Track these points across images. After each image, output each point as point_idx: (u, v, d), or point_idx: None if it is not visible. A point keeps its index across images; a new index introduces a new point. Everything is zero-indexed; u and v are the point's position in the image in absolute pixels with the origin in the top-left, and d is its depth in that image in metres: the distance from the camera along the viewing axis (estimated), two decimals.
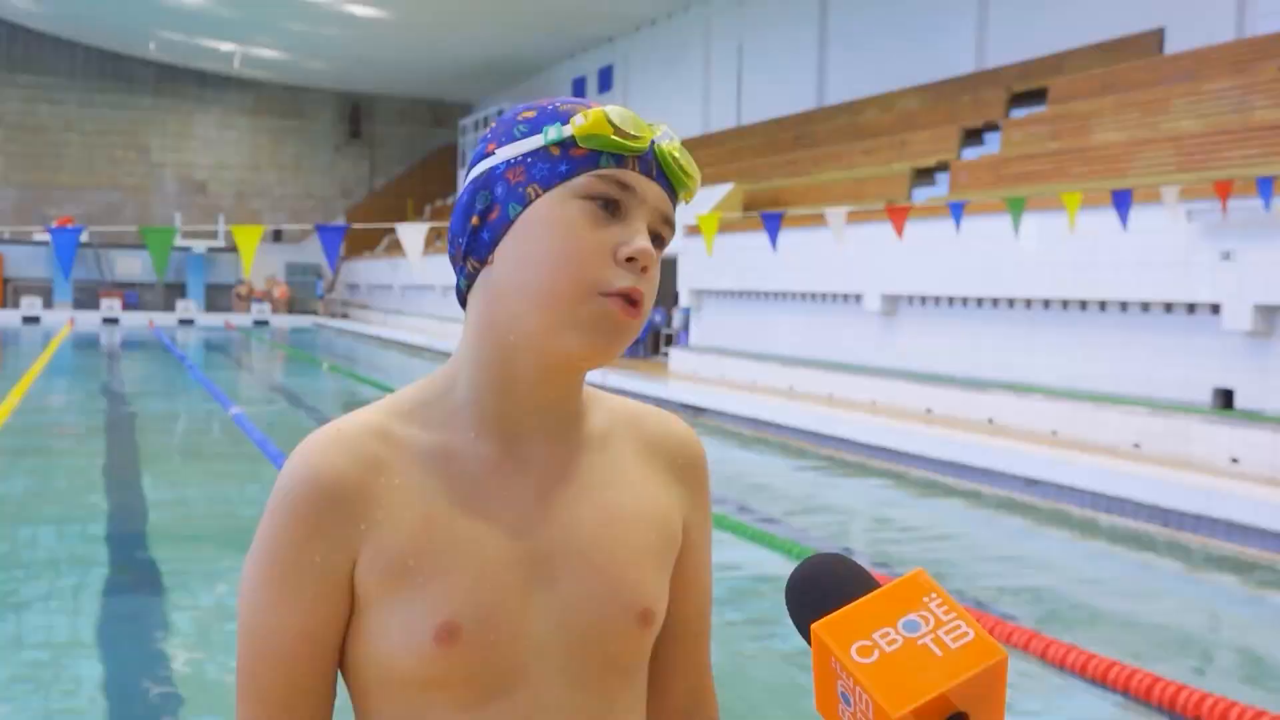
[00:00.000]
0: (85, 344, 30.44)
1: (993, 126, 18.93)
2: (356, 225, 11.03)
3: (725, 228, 19.76)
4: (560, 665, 1.17)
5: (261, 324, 43.40)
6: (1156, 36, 18.47)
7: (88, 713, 5.02)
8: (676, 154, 1.20)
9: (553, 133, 1.17)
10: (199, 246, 45.01)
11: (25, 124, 46.89)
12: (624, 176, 1.16)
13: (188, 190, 49.46)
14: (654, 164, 1.19)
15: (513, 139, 1.19)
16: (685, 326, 23.44)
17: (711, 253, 13.12)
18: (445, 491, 1.17)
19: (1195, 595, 8.00)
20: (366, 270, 44.05)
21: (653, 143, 1.19)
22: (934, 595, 0.93)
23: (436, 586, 1.13)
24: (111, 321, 41.24)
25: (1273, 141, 12.75)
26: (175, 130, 49.18)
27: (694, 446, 1.34)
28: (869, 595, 0.94)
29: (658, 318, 25.78)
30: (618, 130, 1.16)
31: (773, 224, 12.05)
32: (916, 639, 0.91)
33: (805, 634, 0.97)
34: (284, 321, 44.21)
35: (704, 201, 21.62)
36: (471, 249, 1.21)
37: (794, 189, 21.66)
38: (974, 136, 19.19)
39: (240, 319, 43.75)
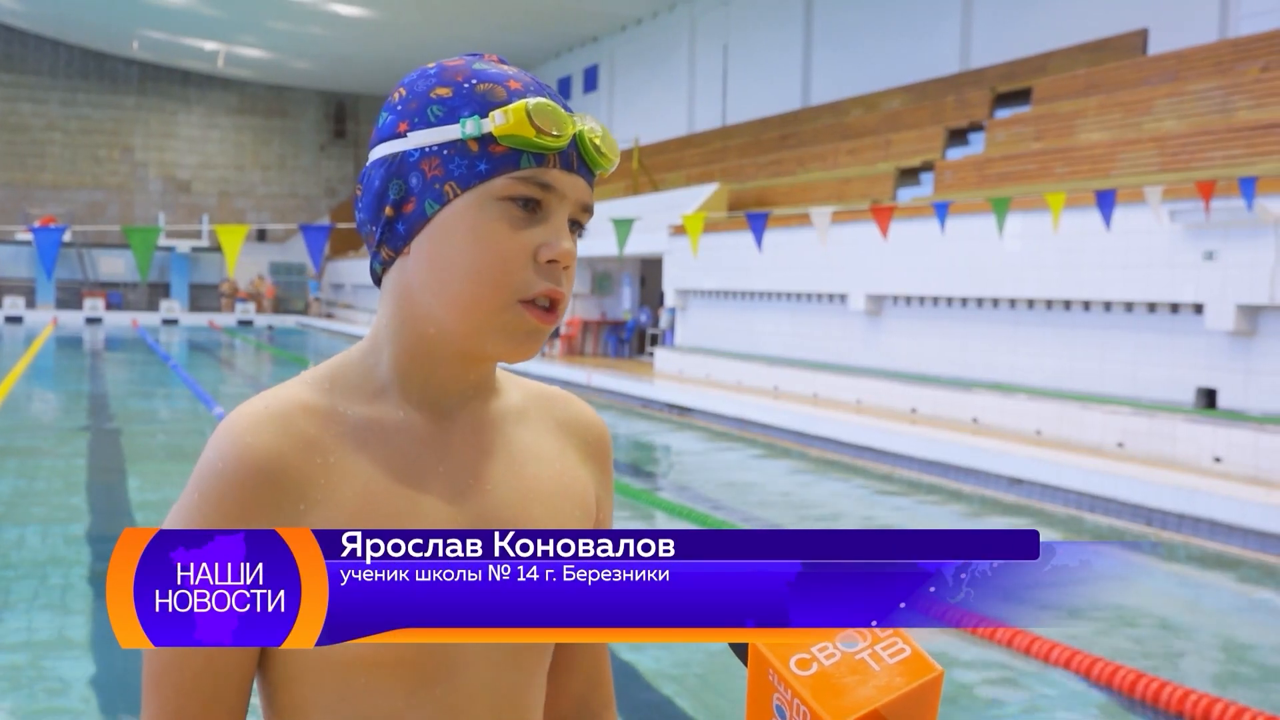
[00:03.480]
0: (68, 344, 30.33)
1: (977, 126, 19.00)
2: (341, 225, 11.01)
3: (710, 228, 19.78)
4: (495, 644, 1.16)
5: (246, 324, 43.29)
6: (1140, 37, 18.56)
7: (73, 713, 5.00)
8: (598, 141, 1.15)
9: (470, 127, 1.12)
10: (183, 246, 44.88)
11: (7, 123, 46.70)
12: (546, 176, 1.13)
13: (171, 190, 49.32)
14: (575, 156, 1.15)
15: (427, 123, 1.14)
16: (671, 326, 23.45)
17: (697, 253, 13.13)
18: (379, 467, 1.15)
19: (1179, 593, 8.04)
20: (351, 270, 43.97)
21: (575, 134, 1.15)
22: None
23: None
24: (95, 321, 41.09)
25: (1255, 142, 12.82)
26: (159, 129, 49.04)
27: (601, 427, 1.36)
28: None
29: (643, 318, 25.79)
30: (540, 130, 1.11)
31: (758, 224, 12.06)
32: (854, 654, 0.92)
33: (736, 648, 0.98)
34: (269, 321, 44.10)
35: (689, 202, 21.65)
36: (386, 239, 1.17)
37: (779, 189, 21.70)
38: (958, 136, 19.25)
39: (225, 319, 43.64)
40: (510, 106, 1.11)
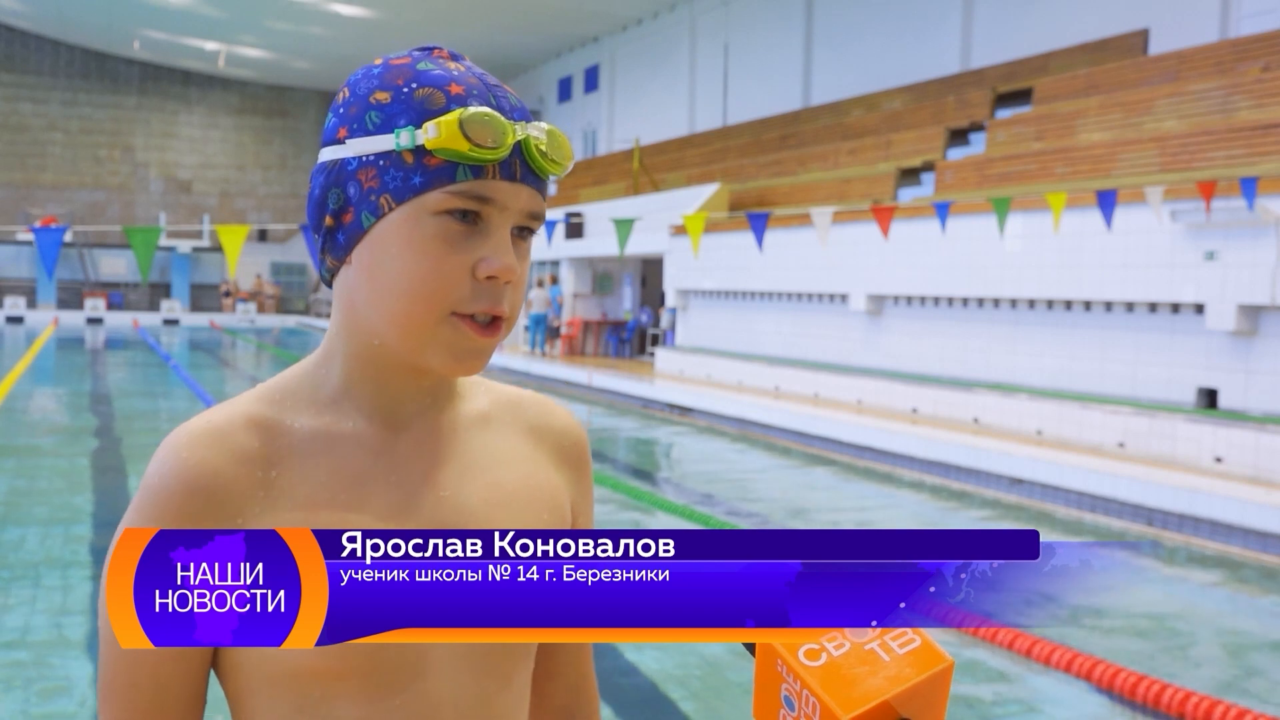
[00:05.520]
0: (69, 344, 30.33)
1: (978, 127, 19.00)
2: None
3: (711, 228, 19.79)
4: (463, 651, 1.14)
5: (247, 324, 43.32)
6: (1141, 37, 18.56)
7: (72, 714, 5.01)
8: (544, 148, 1.11)
9: (404, 138, 1.07)
10: (184, 246, 44.90)
11: (8, 123, 46.71)
12: (484, 189, 1.08)
13: (172, 190, 49.33)
14: (518, 164, 1.10)
15: (365, 131, 1.10)
16: (671, 326, 23.45)
17: (697, 253, 13.12)
18: (328, 480, 1.12)
19: (1179, 593, 8.04)
20: None
21: (518, 143, 1.10)
22: None
23: None
24: (96, 321, 41.11)
25: (1256, 142, 12.82)
26: (160, 129, 49.05)
27: (576, 431, 1.32)
28: None
29: (644, 318, 25.79)
30: (474, 143, 1.06)
31: (758, 224, 12.06)
32: (864, 644, 0.91)
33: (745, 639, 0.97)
34: (270, 321, 44.12)
35: (690, 202, 21.65)
36: (328, 247, 1.14)
37: (780, 189, 21.70)
38: (959, 136, 19.25)
39: (225, 319, 43.66)
40: (442, 119, 1.07)
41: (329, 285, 1.19)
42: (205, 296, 46.46)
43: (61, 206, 46.65)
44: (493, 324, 1.12)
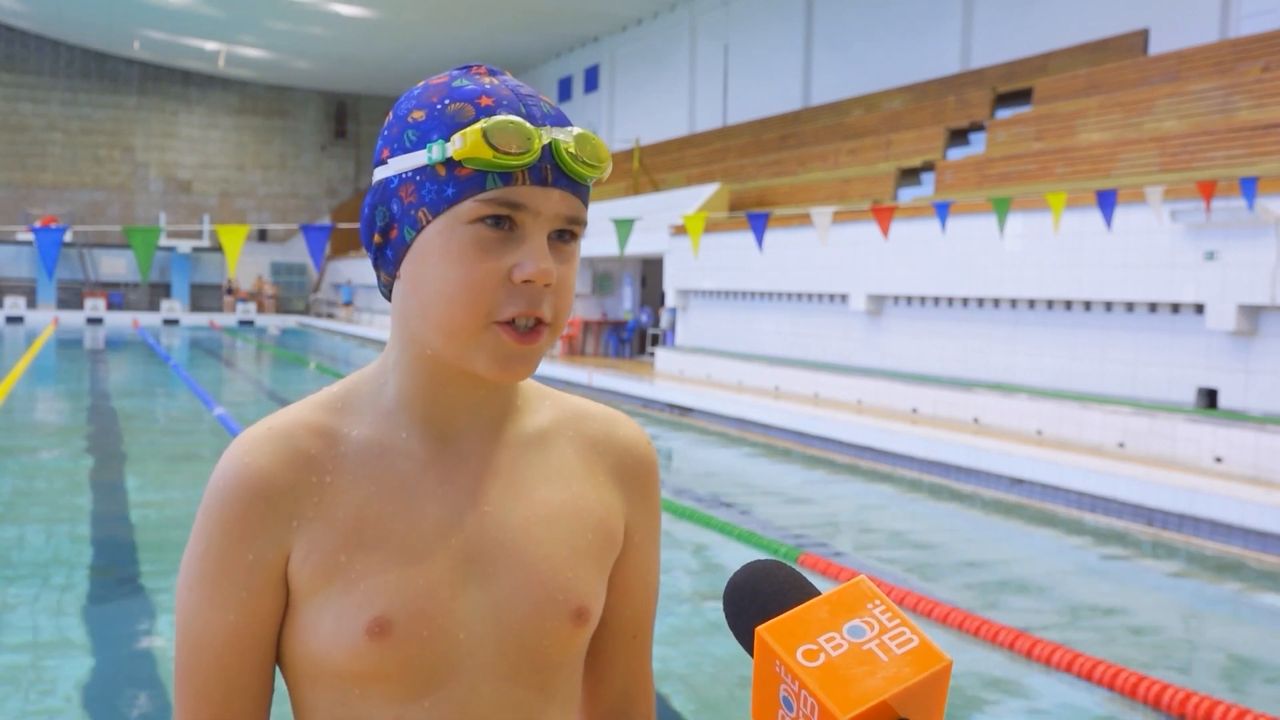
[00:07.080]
0: (69, 344, 30.33)
1: (978, 127, 19.00)
2: (342, 225, 10.99)
3: (711, 228, 19.80)
4: (493, 662, 1.17)
5: (246, 324, 43.31)
6: (1141, 37, 18.56)
7: (70, 713, 5.00)
8: (573, 150, 1.14)
9: (436, 152, 1.12)
10: (184, 246, 44.91)
11: (8, 123, 46.71)
12: (513, 195, 1.11)
13: (172, 190, 49.33)
14: (549, 169, 1.13)
15: (403, 149, 1.15)
16: (671, 326, 23.45)
17: (697, 253, 13.10)
18: (378, 489, 1.17)
19: (1179, 594, 8.04)
20: (350, 269, 43.99)
21: (546, 147, 1.13)
22: (877, 602, 0.93)
23: (369, 582, 1.13)
24: (96, 321, 41.12)
25: (1256, 142, 12.82)
26: (160, 129, 49.05)
27: (640, 448, 1.33)
28: (813, 600, 0.94)
29: (644, 317, 25.79)
30: (498, 151, 1.09)
31: (759, 224, 12.06)
32: (862, 644, 0.91)
33: (743, 639, 0.97)
34: (270, 321, 44.12)
35: (690, 202, 21.66)
36: (379, 264, 1.19)
37: (780, 189, 21.70)
38: (959, 136, 19.26)
39: (225, 319, 43.66)
40: (468, 129, 1.11)
41: (388, 299, 1.24)
42: (205, 296, 46.47)
43: (61, 206, 46.65)
44: (535, 330, 1.14)
